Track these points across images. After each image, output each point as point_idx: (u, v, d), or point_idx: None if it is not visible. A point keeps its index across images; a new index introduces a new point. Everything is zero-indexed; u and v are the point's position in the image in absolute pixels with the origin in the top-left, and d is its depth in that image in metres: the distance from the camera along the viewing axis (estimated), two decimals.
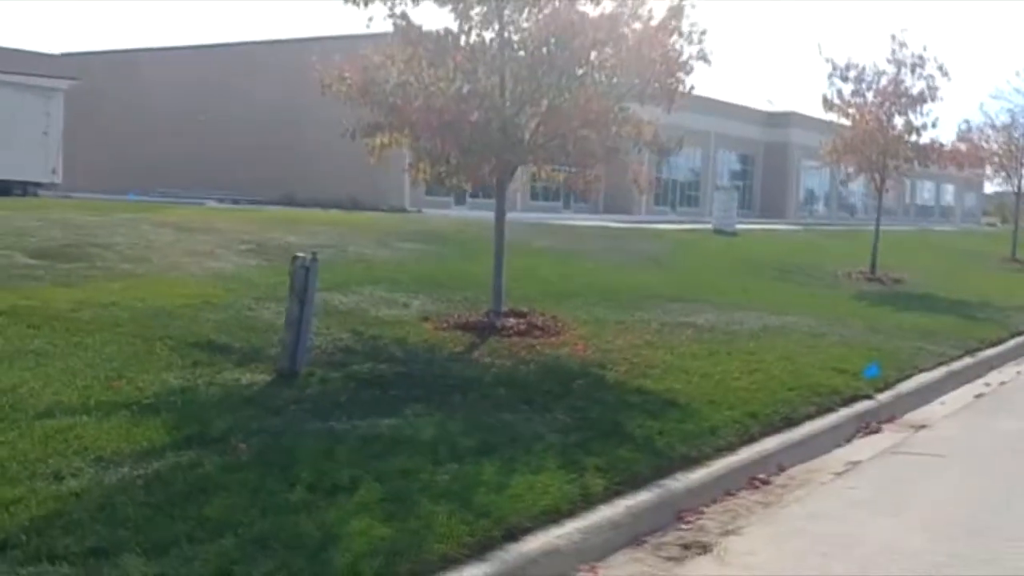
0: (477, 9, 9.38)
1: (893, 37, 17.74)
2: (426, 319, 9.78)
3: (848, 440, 7.28)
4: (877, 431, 7.58)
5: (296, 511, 4.37)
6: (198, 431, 5.39)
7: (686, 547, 4.86)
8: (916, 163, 18.63)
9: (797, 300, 14.18)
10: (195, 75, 37.86)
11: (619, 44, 8.95)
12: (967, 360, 10.53)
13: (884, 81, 17.87)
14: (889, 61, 17.80)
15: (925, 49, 17.80)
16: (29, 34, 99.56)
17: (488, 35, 9.39)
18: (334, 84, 9.59)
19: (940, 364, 9.90)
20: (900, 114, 17.87)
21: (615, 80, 9.06)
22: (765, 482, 6.01)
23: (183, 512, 4.25)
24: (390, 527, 4.29)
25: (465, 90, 9.19)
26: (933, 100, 17.90)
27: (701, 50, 9.17)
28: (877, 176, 18.34)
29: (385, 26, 9.47)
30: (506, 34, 9.32)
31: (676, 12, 9.31)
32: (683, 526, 5.13)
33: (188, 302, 9.25)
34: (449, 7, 9.44)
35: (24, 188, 23.93)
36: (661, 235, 22.30)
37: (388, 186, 30.53)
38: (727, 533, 5.08)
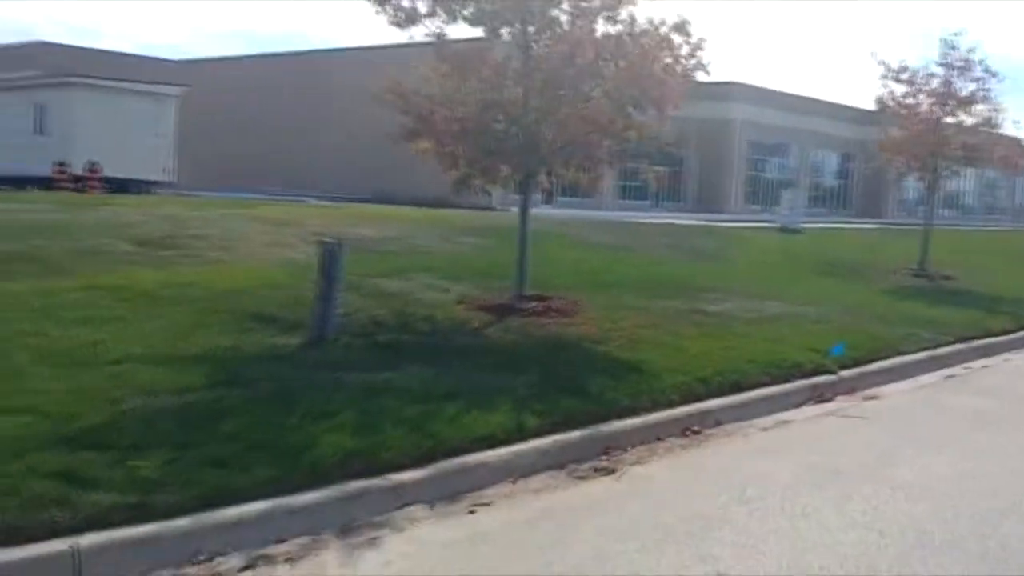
0: (505, 29, 10.72)
1: (944, 40, 18.33)
2: (460, 302, 11.13)
3: (798, 406, 8.34)
4: (829, 400, 8.61)
5: (288, 429, 5.81)
6: (231, 377, 6.88)
7: (596, 471, 6.11)
8: (965, 162, 19.11)
9: (828, 292, 15.02)
10: (299, 80, 40.22)
11: (622, 60, 10.15)
12: (958, 347, 11.33)
13: (935, 83, 18.45)
14: (939, 64, 18.39)
15: (972, 51, 18.27)
16: (151, 36, 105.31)
17: (514, 52, 10.72)
18: (384, 95, 11.03)
19: (923, 349, 10.78)
20: (951, 116, 18.42)
21: (619, 92, 10.24)
22: (696, 432, 7.18)
23: (204, 427, 5.73)
24: (355, 441, 5.69)
25: (490, 100, 10.51)
26: (984, 101, 18.38)
27: (699, 62, 10.32)
28: (928, 176, 18.91)
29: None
30: (530, 51, 10.63)
31: (679, 28, 10.47)
32: (603, 458, 6.37)
33: (256, 284, 10.83)
34: (481, 28, 10.81)
35: (140, 186, 26.34)
36: (724, 232, 23.20)
37: None
38: (637, 464, 6.31)
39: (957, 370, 10.64)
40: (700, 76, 10.53)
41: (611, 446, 6.58)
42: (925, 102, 18.66)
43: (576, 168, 10.53)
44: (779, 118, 52.35)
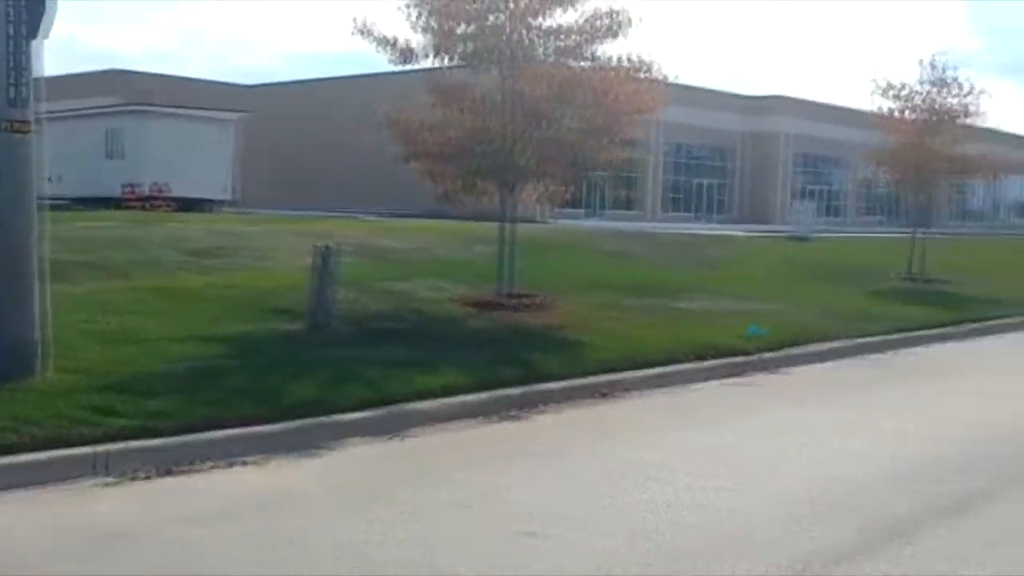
0: (492, 69, 12.54)
1: (927, 62, 19.64)
2: (452, 299, 12.93)
3: (711, 379, 9.92)
4: (741, 374, 10.19)
5: (269, 383, 7.68)
6: (238, 351, 8.82)
7: (507, 418, 7.88)
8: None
9: (807, 294, 16.32)
10: (344, 102, 42.51)
11: (587, 94, 11.89)
12: (891, 336, 12.79)
13: (919, 100, 19.72)
14: (921, 83, 19.68)
15: (955, 70, 19.50)
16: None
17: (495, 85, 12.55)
18: (385, 126, 12.94)
19: (863, 337, 12.33)
20: (932, 134, 19.64)
21: (583, 119, 12.02)
22: (606, 394, 8.87)
23: (206, 381, 7.62)
24: (317, 392, 7.58)
25: (474, 127, 12.33)
26: (970, 116, 19.59)
27: (667, 91, 12.06)
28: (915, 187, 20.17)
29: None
30: (510, 84, 12.44)
31: (641, 66, 12.20)
32: (518, 410, 8.10)
33: (281, 285, 12.78)
34: (470, 64, 12.65)
35: (203, 205, 28.76)
36: (736, 241, 24.70)
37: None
38: (542, 414, 8.06)
39: (887, 356, 12.09)
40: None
41: (529, 402, 8.32)
42: (911, 118, 19.89)
43: (550, 182, 12.33)
44: (827, 130, 53.24)
